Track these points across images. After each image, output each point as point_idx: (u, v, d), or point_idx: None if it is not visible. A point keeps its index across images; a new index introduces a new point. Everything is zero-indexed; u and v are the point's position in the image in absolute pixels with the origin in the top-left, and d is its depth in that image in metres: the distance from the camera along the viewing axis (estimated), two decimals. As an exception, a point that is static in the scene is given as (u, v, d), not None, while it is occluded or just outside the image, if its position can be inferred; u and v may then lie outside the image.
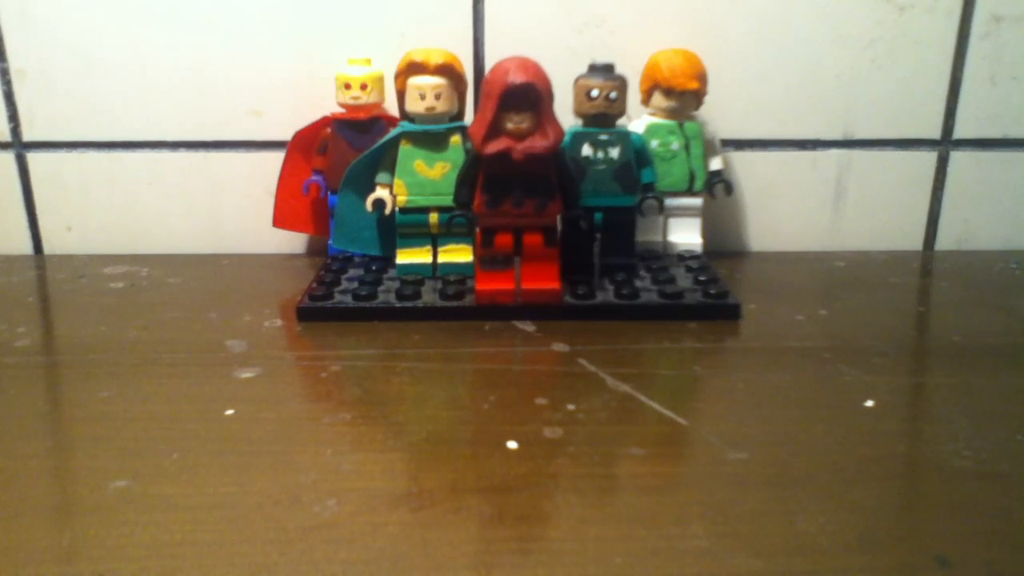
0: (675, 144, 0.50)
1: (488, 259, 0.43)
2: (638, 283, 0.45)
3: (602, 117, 0.45)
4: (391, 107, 0.50)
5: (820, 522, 0.27)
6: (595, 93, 0.44)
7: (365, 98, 0.49)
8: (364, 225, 0.49)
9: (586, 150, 0.45)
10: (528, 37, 0.51)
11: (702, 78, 0.49)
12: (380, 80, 0.49)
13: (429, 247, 0.47)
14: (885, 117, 0.53)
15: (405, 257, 0.47)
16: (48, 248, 0.56)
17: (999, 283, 0.50)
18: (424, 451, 0.31)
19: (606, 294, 0.44)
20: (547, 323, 0.42)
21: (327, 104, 0.51)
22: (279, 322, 0.43)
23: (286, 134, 0.51)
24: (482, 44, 0.52)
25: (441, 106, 0.45)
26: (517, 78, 0.39)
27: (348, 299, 0.43)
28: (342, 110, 0.50)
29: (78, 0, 0.51)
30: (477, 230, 0.43)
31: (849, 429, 0.33)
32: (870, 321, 0.43)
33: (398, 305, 0.43)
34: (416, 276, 0.46)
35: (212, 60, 0.52)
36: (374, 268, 0.47)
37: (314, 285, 0.45)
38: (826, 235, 0.56)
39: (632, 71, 0.48)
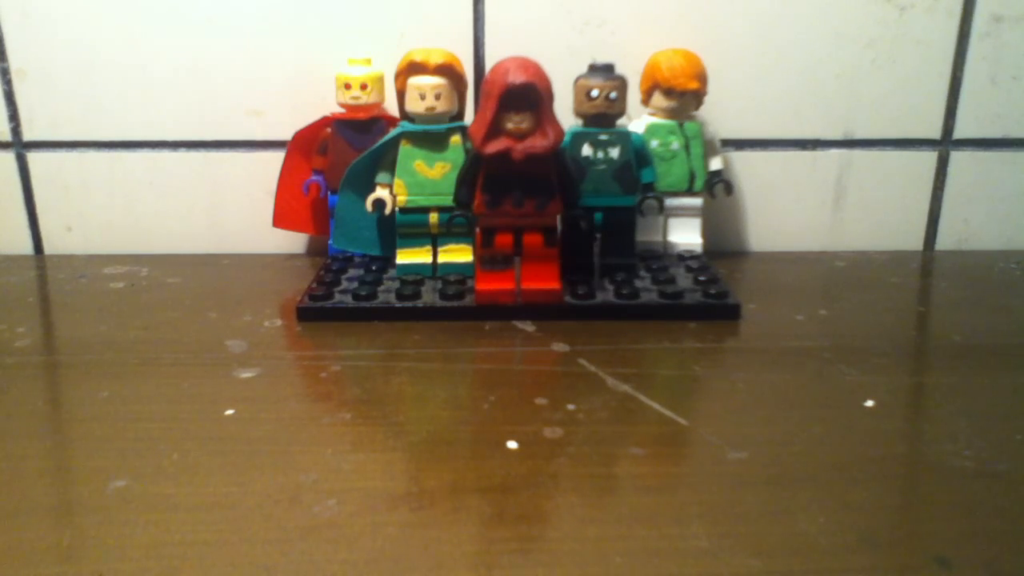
0: (675, 144, 0.50)
1: (488, 259, 0.43)
2: (638, 283, 0.45)
3: (602, 117, 0.45)
4: (391, 107, 0.50)
5: (820, 522, 0.27)
6: (595, 93, 0.44)
7: (365, 98, 0.49)
8: (364, 225, 0.49)
9: (586, 150, 0.45)
10: (528, 37, 0.51)
11: (702, 78, 0.49)
12: (380, 80, 0.49)
13: (429, 247, 0.47)
14: (885, 117, 0.53)
15: (405, 257, 0.47)
16: (48, 248, 0.56)
17: (999, 283, 0.50)
18: (424, 451, 0.31)
19: (606, 294, 0.44)
20: (547, 323, 0.42)
21: (327, 104, 0.51)
22: (279, 322, 0.43)
23: (286, 134, 0.51)
24: (482, 44, 0.52)
25: (441, 106, 0.45)
26: (517, 78, 0.39)
27: (348, 299, 0.43)
28: (342, 110, 0.50)
29: (78, 0, 0.51)
30: (477, 230, 0.43)
31: (849, 429, 0.33)
32: (870, 321, 0.43)
33: (398, 305, 0.43)
34: (416, 276, 0.46)
35: (212, 60, 0.52)
36: (374, 268, 0.47)
37: (314, 285, 0.45)
38: (826, 235, 0.56)
39: (632, 71, 0.48)
